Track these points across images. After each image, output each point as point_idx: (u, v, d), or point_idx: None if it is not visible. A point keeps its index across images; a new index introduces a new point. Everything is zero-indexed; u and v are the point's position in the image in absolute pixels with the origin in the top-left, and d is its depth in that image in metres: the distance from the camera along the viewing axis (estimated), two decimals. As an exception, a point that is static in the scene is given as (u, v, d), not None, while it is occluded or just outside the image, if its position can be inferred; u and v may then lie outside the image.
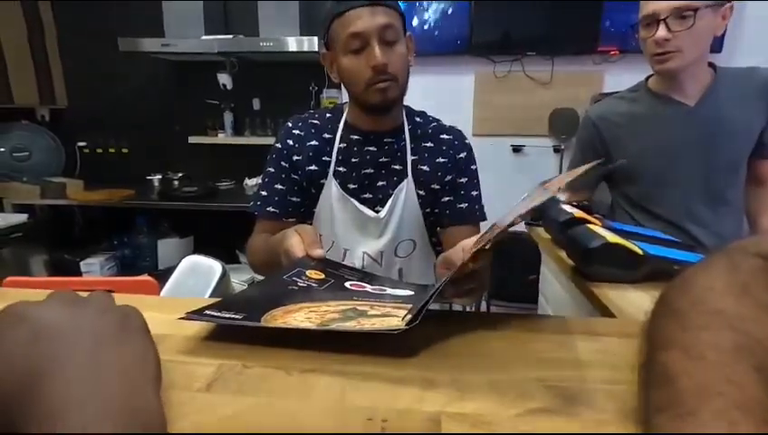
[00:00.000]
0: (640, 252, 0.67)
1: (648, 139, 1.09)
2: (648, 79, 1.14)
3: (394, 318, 0.41)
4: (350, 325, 0.40)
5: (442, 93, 2.32)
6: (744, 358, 0.25)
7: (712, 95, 1.04)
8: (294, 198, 0.92)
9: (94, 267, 2.26)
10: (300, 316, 0.42)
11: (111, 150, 2.62)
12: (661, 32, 0.96)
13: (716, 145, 1.04)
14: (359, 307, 0.45)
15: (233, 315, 0.40)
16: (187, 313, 0.40)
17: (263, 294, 0.50)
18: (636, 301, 0.63)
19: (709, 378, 0.24)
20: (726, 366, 0.25)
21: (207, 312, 0.41)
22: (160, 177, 2.50)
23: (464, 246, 0.54)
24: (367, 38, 0.78)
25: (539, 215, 1.00)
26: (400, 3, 2.24)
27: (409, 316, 0.38)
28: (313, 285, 0.52)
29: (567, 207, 0.86)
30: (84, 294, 0.30)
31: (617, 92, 1.21)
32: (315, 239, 0.62)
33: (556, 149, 2.35)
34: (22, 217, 2.10)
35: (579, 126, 1.22)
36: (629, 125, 1.11)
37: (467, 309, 2.01)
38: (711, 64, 1.07)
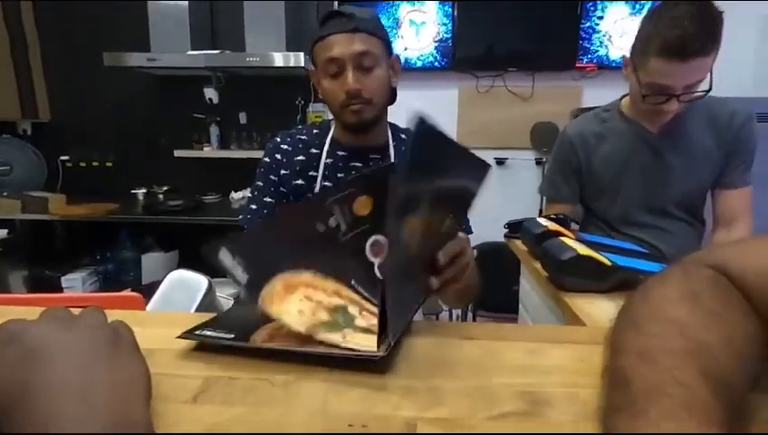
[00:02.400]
0: (609, 263, 0.71)
1: (616, 161, 1.14)
2: (622, 98, 1.18)
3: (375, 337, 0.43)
4: (335, 338, 0.41)
5: (427, 108, 2.33)
6: (692, 362, 0.28)
7: (679, 124, 1.07)
8: None
9: (76, 283, 2.23)
10: (293, 307, 0.43)
11: (95, 164, 2.60)
12: (673, 106, 0.98)
13: (678, 172, 1.09)
14: (350, 308, 0.47)
15: (224, 335, 0.42)
16: (183, 333, 0.42)
17: (277, 244, 0.49)
18: (605, 309, 0.65)
19: (660, 380, 0.27)
20: (676, 370, 0.27)
21: (201, 332, 0.43)
22: (145, 191, 2.48)
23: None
24: (343, 64, 0.82)
25: (517, 228, 1.03)
26: (391, 2, 2.27)
27: (388, 341, 0.40)
28: (342, 227, 0.50)
29: (542, 220, 0.89)
30: (76, 311, 0.31)
31: (595, 107, 1.25)
32: None
33: (538, 162, 2.41)
34: (2, 233, 2.06)
35: (556, 141, 1.26)
36: (599, 145, 1.16)
37: (455, 316, 2.03)
38: None
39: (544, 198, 1.33)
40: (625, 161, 1.13)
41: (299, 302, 0.44)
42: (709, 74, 0.97)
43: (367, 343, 0.41)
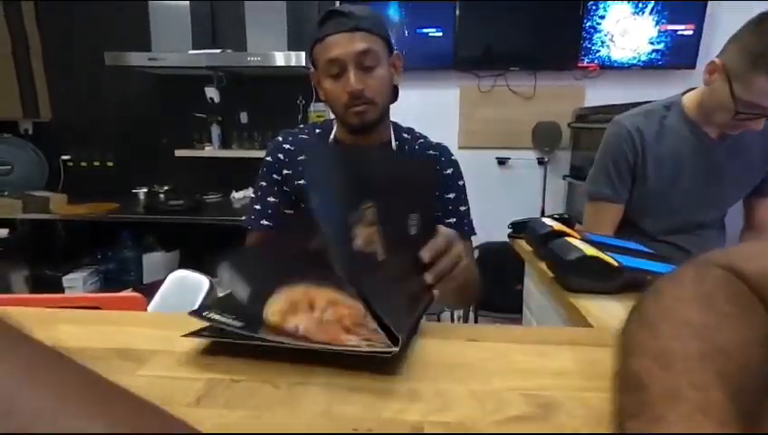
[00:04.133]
0: (616, 264, 0.70)
1: (668, 163, 1.07)
2: (684, 94, 1.10)
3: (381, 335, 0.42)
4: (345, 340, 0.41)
5: (428, 107, 2.36)
6: (708, 365, 0.27)
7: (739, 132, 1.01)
8: (287, 211, 0.93)
9: (77, 283, 2.22)
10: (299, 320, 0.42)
11: (96, 164, 2.60)
12: (760, 125, 0.95)
13: (730, 182, 1.05)
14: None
15: (232, 321, 0.41)
16: (190, 312, 0.41)
17: (266, 266, 0.50)
18: (611, 311, 0.65)
19: (676, 384, 0.26)
20: (692, 373, 0.27)
21: (209, 314, 0.41)
22: (146, 190, 2.48)
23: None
24: (344, 64, 0.81)
25: (521, 228, 1.03)
26: (393, 2, 2.27)
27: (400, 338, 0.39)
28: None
29: (547, 220, 0.89)
30: None
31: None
32: None
33: (540, 162, 2.40)
34: (3, 232, 2.06)
35: (609, 133, 1.13)
36: (656, 144, 1.08)
37: (456, 317, 2.02)
38: None
39: (590, 198, 1.17)
40: (679, 166, 1.06)
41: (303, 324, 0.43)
42: None
43: (375, 340, 0.40)
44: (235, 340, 0.40)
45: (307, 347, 0.39)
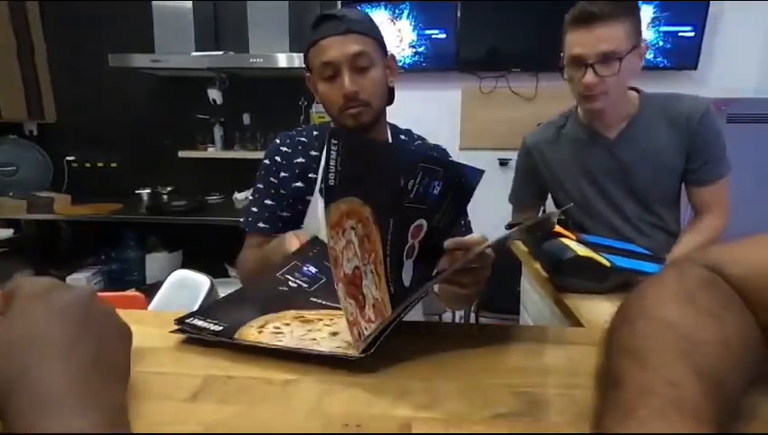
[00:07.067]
0: (608, 264, 0.70)
1: (573, 168, 1.13)
2: (576, 106, 1.17)
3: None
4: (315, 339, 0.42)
5: (430, 108, 2.37)
6: (684, 361, 0.28)
7: (633, 125, 1.06)
8: (284, 213, 0.94)
9: (81, 282, 2.24)
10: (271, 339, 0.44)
11: (100, 165, 2.62)
12: (589, 77, 1.00)
13: (638, 174, 1.07)
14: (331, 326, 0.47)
15: (213, 326, 0.43)
16: (176, 320, 0.44)
17: (249, 298, 0.52)
18: (604, 311, 0.65)
19: (650, 380, 0.27)
20: (666, 369, 0.27)
21: (191, 321, 0.44)
22: (149, 191, 2.49)
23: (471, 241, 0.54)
24: (338, 67, 0.81)
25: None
26: (396, 4, 2.26)
27: (365, 343, 0.39)
28: (303, 285, 0.54)
29: (543, 222, 0.89)
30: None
31: (552, 119, 1.25)
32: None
33: (541, 163, 2.40)
34: (8, 233, 2.08)
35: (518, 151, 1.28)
36: (555, 152, 1.16)
37: (458, 317, 2.03)
38: (636, 90, 1.10)
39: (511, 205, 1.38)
40: (582, 166, 1.12)
41: (348, 232, 0.45)
42: (638, 57, 1.01)
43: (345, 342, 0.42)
44: (209, 338, 0.42)
45: (275, 347, 0.40)
